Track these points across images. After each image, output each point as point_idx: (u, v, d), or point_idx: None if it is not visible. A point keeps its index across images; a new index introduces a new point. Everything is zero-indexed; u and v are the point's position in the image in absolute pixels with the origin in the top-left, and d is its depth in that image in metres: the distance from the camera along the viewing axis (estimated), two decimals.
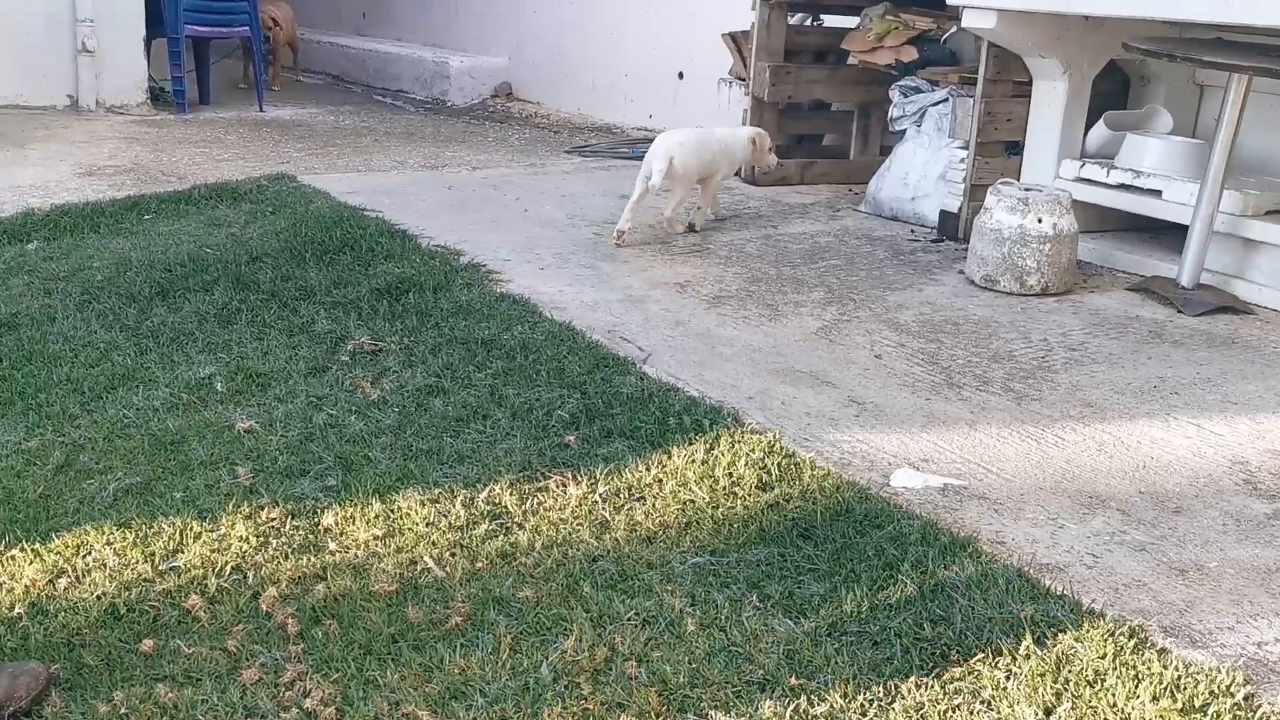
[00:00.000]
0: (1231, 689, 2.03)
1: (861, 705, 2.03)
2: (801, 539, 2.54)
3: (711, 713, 2.02)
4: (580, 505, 2.74)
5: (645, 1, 8.61)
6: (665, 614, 2.30)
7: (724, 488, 2.77)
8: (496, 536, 2.61)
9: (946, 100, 5.59)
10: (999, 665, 2.10)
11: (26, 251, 4.60)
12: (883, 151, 6.42)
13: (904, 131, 5.84)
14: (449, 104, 9.54)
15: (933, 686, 2.06)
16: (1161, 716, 1.97)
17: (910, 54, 6.03)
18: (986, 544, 2.49)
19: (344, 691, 2.08)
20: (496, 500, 2.75)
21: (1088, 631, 2.17)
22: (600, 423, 3.11)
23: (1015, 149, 5.30)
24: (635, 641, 2.20)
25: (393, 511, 2.70)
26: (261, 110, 8.46)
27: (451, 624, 2.27)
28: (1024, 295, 4.44)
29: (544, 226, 5.22)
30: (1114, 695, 2.02)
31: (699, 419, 3.08)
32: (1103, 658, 2.10)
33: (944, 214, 5.39)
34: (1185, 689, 2.03)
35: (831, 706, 2.02)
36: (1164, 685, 2.03)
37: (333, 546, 2.56)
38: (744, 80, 6.61)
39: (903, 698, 2.04)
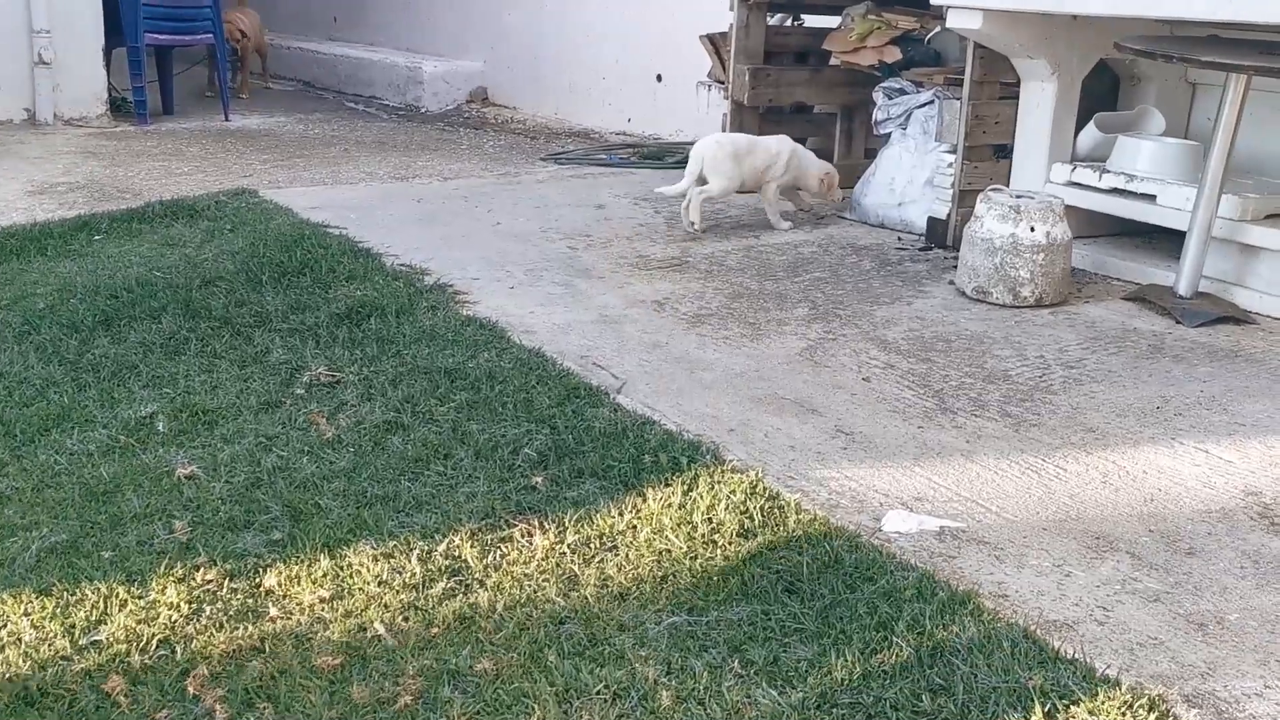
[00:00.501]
0: None
1: None
2: (787, 594, 2.33)
3: None
4: (547, 558, 2.52)
5: (623, 2, 8.39)
6: (638, 685, 2.09)
7: (703, 535, 2.56)
8: (454, 596, 2.39)
9: (932, 102, 5.39)
10: None
11: None
12: (867, 155, 6.23)
13: (889, 135, 5.64)
14: (423, 110, 9.31)
15: None
16: None
17: (894, 54, 5.82)
18: (988, 598, 2.29)
19: None
20: (456, 553, 2.54)
21: (1103, 703, 1.96)
22: (570, 461, 2.90)
23: (1004, 152, 5.10)
24: None
25: (342, 569, 2.48)
26: (227, 119, 8.22)
27: (400, 704, 2.05)
28: (1017, 307, 4.24)
29: (516, 240, 5.01)
30: None
31: (676, 456, 2.87)
32: None
33: (932, 221, 5.19)
34: None
35: None
36: None
37: (274, 612, 2.34)
38: (723, 83, 6.40)
39: None
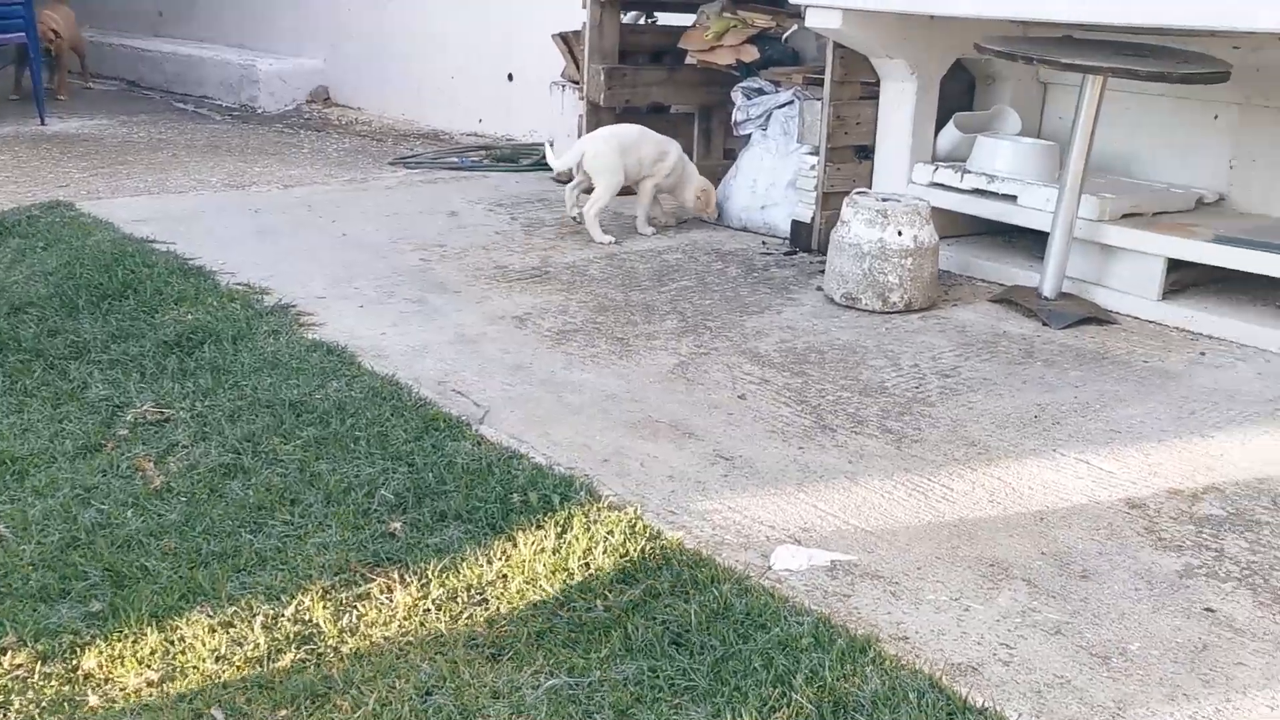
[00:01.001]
0: None
1: None
2: (675, 647, 2.15)
3: None
4: (410, 616, 2.28)
5: None
6: None
7: (580, 583, 2.35)
8: (305, 669, 2.13)
9: (792, 103, 5.30)
10: None
11: None
12: (726, 155, 6.12)
13: (749, 136, 5.53)
14: (259, 111, 8.83)
15: None
16: None
17: (751, 53, 5.72)
18: (889, 641, 2.15)
19: None
20: (306, 617, 2.27)
21: None
22: (431, 503, 2.66)
23: (866, 153, 5.04)
24: None
25: (173, 644, 2.18)
26: (43, 123, 7.62)
27: None
28: (887, 313, 4.17)
29: (364, 253, 4.70)
30: None
31: (547, 494, 2.65)
32: None
33: (796, 224, 5.09)
34: None
35: None
36: None
37: (94, 701, 2.03)
38: (578, 83, 6.20)
39: None
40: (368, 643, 2.20)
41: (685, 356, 3.66)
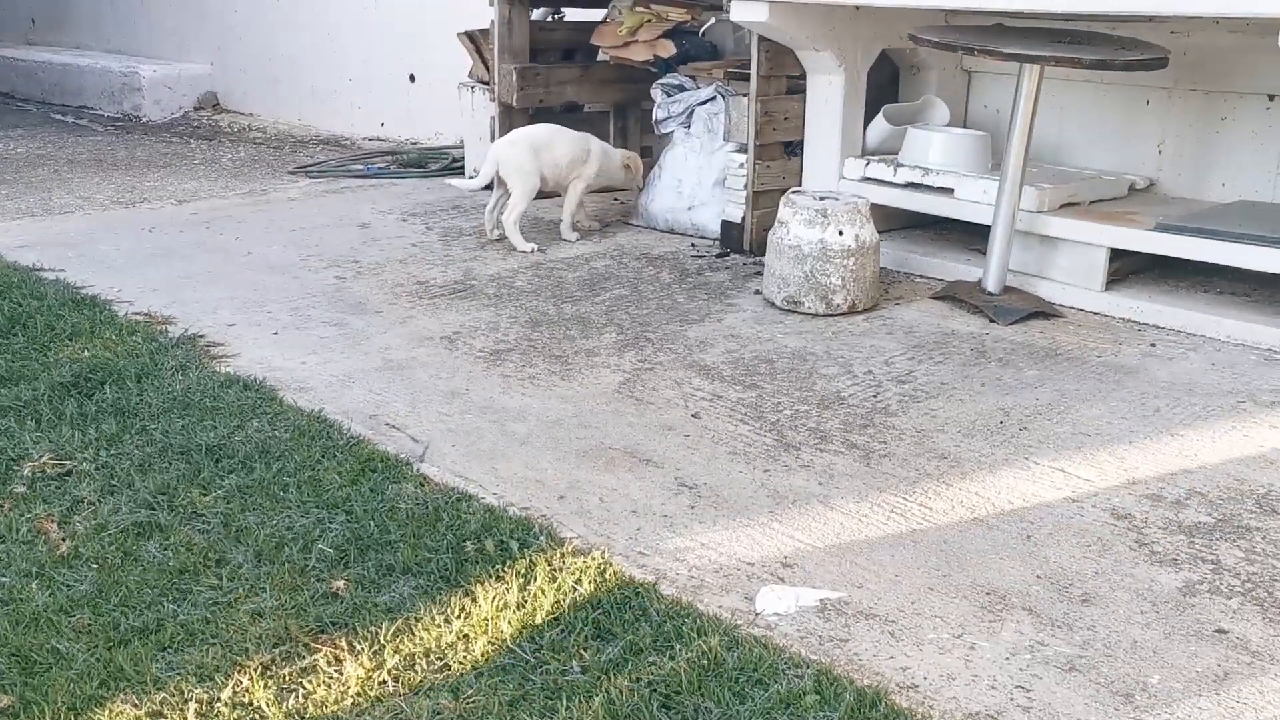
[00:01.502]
0: None
1: None
2: (665, 711, 1.95)
3: None
4: (364, 691, 2.04)
5: None
6: None
7: (552, 642, 2.13)
8: None
9: (715, 99, 5.13)
10: None
11: None
12: (644, 154, 5.92)
13: (671, 134, 5.34)
14: (144, 120, 8.37)
15: None
16: None
17: (667, 48, 5.53)
18: (898, 692, 1.98)
19: None
20: (246, 700, 2.02)
21: None
22: (376, 556, 2.41)
23: (794, 149, 4.90)
24: None
25: None
26: None
27: None
28: (831, 316, 4.02)
29: (273, 273, 4.40)
30: None
31: (504, 540, 2.43)
32: None
33: (726, 224, 4.93)
34: None
35: None
36: None
37: None
38: (487, 84, 5.94)
39: None
40: None
41: (630, 373, 3.45)
